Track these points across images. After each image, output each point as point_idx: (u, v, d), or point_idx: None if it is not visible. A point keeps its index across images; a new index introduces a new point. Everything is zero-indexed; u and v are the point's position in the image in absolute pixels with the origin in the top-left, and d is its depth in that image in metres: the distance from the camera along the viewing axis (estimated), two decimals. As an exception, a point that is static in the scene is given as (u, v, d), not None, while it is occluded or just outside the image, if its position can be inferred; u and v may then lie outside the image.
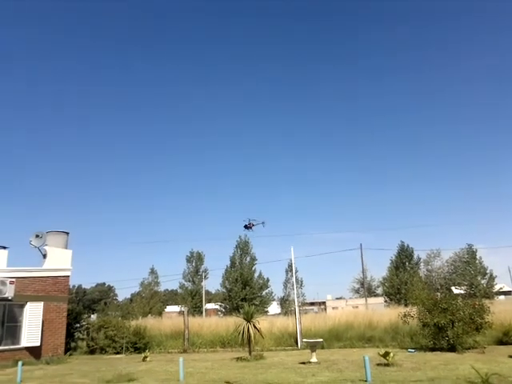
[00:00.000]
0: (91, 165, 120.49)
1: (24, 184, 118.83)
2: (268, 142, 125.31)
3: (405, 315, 16.65)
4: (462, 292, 42.30)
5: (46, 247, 18.93)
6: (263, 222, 29.80)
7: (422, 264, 52.92)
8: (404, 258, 52.30)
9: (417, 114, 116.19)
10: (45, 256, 18.89)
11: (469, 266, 48.43)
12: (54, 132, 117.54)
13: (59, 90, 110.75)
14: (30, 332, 17.13)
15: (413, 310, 16.73)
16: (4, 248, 17.94)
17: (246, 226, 29.92)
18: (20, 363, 12.23)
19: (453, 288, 45.48)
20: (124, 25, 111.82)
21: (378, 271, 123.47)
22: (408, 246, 52.84)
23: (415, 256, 52.82)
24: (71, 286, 26.42)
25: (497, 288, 49.27)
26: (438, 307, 15.78)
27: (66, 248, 20.09)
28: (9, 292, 16.15)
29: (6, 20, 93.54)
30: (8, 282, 16.19)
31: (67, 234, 20.62)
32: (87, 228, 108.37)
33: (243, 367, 13.04)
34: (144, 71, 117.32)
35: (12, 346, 16.72)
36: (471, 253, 49.33)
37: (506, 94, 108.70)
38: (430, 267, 52.49)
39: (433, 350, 15.48)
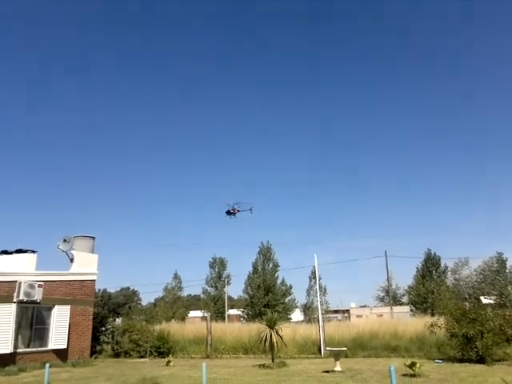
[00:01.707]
0: (117, 169, 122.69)
1: (53, 189, 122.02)
2: (292, 152, 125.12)
3: (432, 325, 16.25)
4: (492, 302, 41.03)
5: (73, 251, 19.35)
6: (251, 208, 28.05)
7: (449, 273, 51.74)
8: (431, 267, 51.21)
9: (443, 121, 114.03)
10: (72, 260, 19.30)
11: (498, 275, 47.00)
12: (85, 137, 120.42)
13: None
14: (57, 335, 17.50)
15: (440, 320, 16.32)
16: (33, 252, 18.43)
17: (228, 212, 27.98)
18: (47, 365, 12.47)
19: (482, 298, 44.20)
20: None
21: (404, 279, 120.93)
22: (435, 253, 51.77)
23: (442, 264, 51.72)
24: (97, 290, 26.83)
25: (528, 298, 47.63)
26: (467, 317, 15.33)
27: (93, 252, 20.50)
28: (37, 295, 16.56)
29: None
30: (37, 286, 16.60)
31: (93, 238, 21.03)
32: (112, 232, 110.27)
33: (266, 374, 12.98)
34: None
35: (40, 348, 17.11)
36: (501, 261, 47.88)
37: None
38: (457, 276, 51.22)
39: (461, 361, 15.04)
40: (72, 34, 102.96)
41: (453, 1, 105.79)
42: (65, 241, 19.22)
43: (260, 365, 15.13)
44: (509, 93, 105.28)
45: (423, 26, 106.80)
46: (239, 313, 53.36)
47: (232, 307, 61.93)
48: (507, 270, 47.63)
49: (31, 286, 16.45)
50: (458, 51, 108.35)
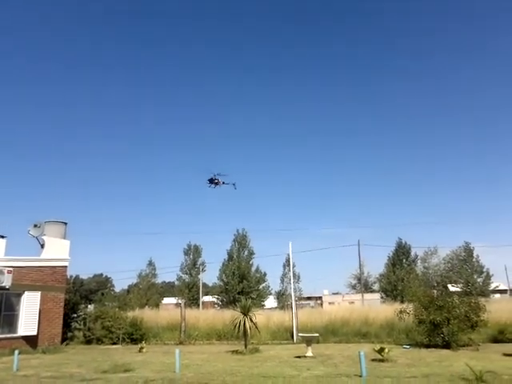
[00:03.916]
0: (91, 158, 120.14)
1: (23, 173, 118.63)
2: (268, 138, 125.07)
3: (401, 312, 16.73)
4: (458, 290, 42.43)
5: (44, 237, 18.94)
6: (234, 184, 26.45)
7: (418, 261, 53.11)
8: (401, 255, 52.42)
9: (416, 109, 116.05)
10: (43, 246, 18.90)
11: (465, 264, 48.61)
12: (52, 124, 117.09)
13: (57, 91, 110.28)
14: (27, 321, 17.19)
15: (409, 307, 16.81)
16: (2, 237, 17.93)
17: (211, 180, 25.67)
18: (16, 352, 12.27)
19: (449, 286, 45.65)
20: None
21: (375, 267, 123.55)
22: (405, 242, 52.97)
23: (412, 253, 52.99)
24: (69, 276, 26.38)
25: (493, 286, 49.48)
26: (434, 304, 15.86)
27: (64, 238, 20.11)
28: (6, 281, 16.20)
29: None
30: (6, 271, 16.23)
31: (65, 224, 20.63)
32: (85, 219, 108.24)
33: (239, 360, 13.11)
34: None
35: (9, 335, 16.79)
36: (468, 251, 49.50)
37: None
38: (426, 264, 52.69)
39: (428, 346, 15.56)
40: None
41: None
42: (35, 226, 18.78)
43: (233, 351, 15.26)
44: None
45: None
46: (214, 300, 53.48)
47: (206, 294, 61.94)
48: (474, 259, 49.31)
49: (0, 272, 16.06)
50: None
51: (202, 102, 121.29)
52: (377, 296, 51.36)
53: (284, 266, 52.53)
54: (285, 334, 20.66)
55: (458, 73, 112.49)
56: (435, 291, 20.92)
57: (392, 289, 49.06)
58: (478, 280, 48.51)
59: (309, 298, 69.02)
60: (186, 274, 55.57)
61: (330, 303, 57.56)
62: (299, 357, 13.48)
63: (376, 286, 57.76)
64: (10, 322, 17.02)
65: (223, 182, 25.16)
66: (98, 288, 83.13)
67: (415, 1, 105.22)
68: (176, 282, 58.95)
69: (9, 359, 13.45)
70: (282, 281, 53.58)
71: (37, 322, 17.45)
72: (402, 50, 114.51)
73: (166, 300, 64.55)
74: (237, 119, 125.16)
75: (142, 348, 16.46)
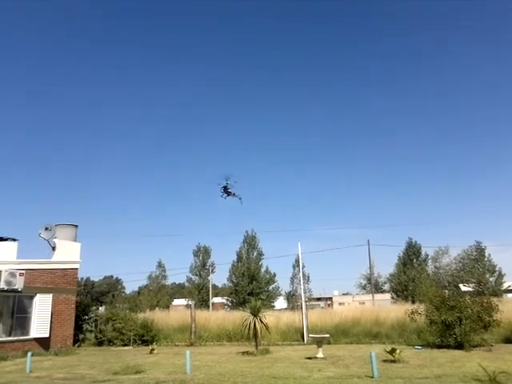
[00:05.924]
0: (99, 161, 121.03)
1: (35, 177, 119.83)
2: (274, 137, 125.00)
3: (412, 312, 16.60)
4: (470, 289, 41.98)
5: (55, 240, 19.09)
6: (240, 198, 26.44)
7: (429, 261, 52.71)
8: (412, 255, 52.09)
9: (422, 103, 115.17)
10: (54, 248, 19.06)
11: (477, 263, 48.04)
12: (66, 129, 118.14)
13: (62, 92, 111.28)
14: (39, 323, 17.33)
15: (420, 307, 16.68)
16: (14, 240, 18.13)
17: (225, 188, 24.74)
18: (29, 354, 12.40)
19: (461, 285, 45.20)
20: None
21: (386, 268, 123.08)
22: (416, 242, 52.65)
23: (423, 253, 52.66)
24: (80, 279, 26.57)
25: (505, 286, 48.85)
26: (446, 304, 15.71)
27: (75, 241, 20.26)
28: (18, 284, 16.34)
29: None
30: (18, 274, 16.37)
31: (76, 226, 20.78)
32: (96, 221, 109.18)
33: (249, 361, 13.10)
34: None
35: (21, 337, 16.93)
36: (480, 250, 48.93)
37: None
38: (437, 264, 52.24)
39: (440, 347, 15.41)
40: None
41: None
42: (46, 229, 18.93)
43: (244, 352, 15.26)
44: None
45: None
46: (223, 301, 53.56)
47: (216, 295, 62.10)
48: (485, 259, 48.74)
49: (12, 275, 16.21)
50: None
51: (211, 101, 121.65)
52: (387, 296, 51.06)
53: (294, 266, 52.49)
54: (295, 335, 20.61)
55: None
56: (447, 291, 20.75)
57: (403, 289, 48.74)
58: (490, 279, 47.91)
59: (319, 299, 68.90)
60: (196, 275, 55.75)
61: (340, 304, 57.38)
62: (310, 358, 13.43)
63: (386, 287, 57.43)
64: (23, 324, 17.18)
65: (234, 194, 24.89)
66: (108, 290, 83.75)
67: None
68: (186, 284, 59.16)
69: (22, 361, 13.60)
70: (292, 281, 53.52)
71: (49, 324, 17.59)
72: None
73: (176, 301, 64.85)
74: (247, 120, 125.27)
75: (152, 349, 16.53)
